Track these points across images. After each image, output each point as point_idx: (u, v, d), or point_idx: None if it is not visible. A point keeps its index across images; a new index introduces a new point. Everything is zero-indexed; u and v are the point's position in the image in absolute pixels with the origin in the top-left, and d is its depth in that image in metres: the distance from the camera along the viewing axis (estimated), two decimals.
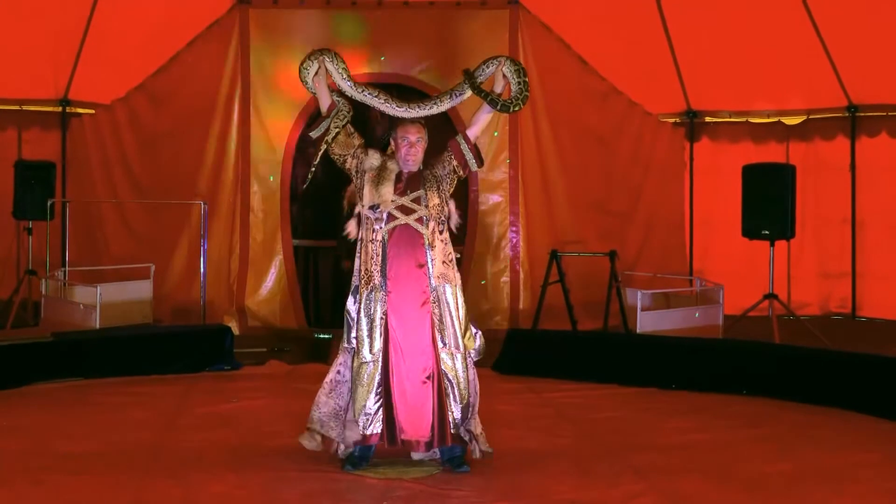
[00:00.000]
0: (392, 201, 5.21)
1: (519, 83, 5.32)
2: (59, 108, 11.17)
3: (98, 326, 8.87)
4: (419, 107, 5.36)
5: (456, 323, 5.18)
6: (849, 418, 6.55)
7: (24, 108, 11.18)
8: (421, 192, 5.23)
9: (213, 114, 10.38)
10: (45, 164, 10.25)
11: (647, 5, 10.82)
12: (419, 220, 5.20)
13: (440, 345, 5.16)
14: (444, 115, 10.10)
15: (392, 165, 5.29)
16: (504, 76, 5.32)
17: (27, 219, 10.12)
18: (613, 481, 5.02)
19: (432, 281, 5.18)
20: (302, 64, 5.33)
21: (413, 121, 5.34)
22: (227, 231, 10.33)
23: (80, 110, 11.16)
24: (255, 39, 10.33)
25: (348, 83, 5.35)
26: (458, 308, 5.21)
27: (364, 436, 5.16)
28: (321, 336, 10.01)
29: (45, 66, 10.96)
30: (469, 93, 5.32)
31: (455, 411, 5.14)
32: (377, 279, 5.17)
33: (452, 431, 5.14)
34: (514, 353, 8.26)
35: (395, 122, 5.38)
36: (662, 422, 6.48)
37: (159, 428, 6.13)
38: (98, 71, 10.89)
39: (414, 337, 5.16)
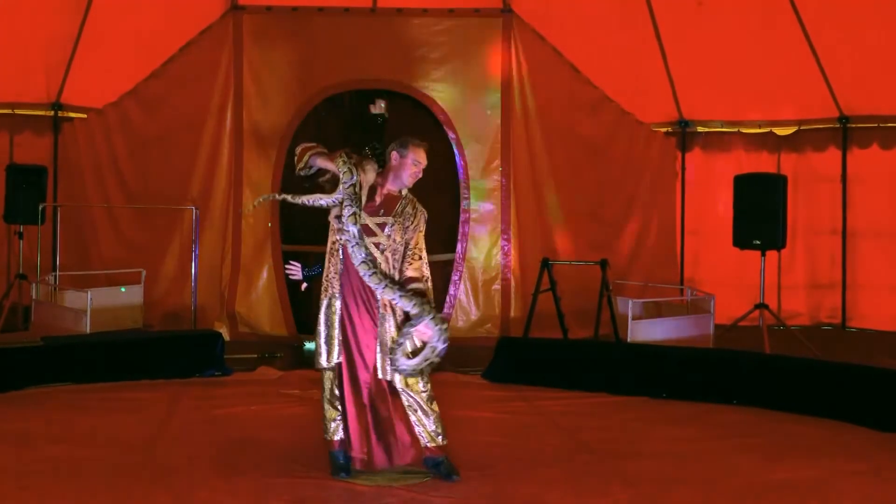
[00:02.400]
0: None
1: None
2: (52, 113, 11.15)
3: (88, 331, 8.87)
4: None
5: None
6: (838, 428, 6.56)
7: (17, 111, 11.15)
8: (390, 219, 5.14)
9: (205, 119, 10.37)
10: (36, 168, 10.22)
11: (640, 14, 10.85)
12: (376, 244, 5.10)
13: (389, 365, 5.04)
14: (440, 123, 10.26)
15: (377, 179, 5.19)
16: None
17: (18, 223, 10.09)
18: (603, 490, 5.03)
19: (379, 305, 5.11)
20: (339, 159, 4.99)
21: (425, 147, 5.22)
22: (219, 237, 10.30)
23: (72, 115, 11.13)
24: (248, 45, 10.33)
25: (335, 196, 4.98)
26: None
27: (329, 440, 5.19)
28: (311, 343, 9.99)
29: (38, 70, 10.95)
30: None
31: (427, 424, 5.11)
32: (336, 287, 5.15)
33: (429, 444, 5.11)
34: (504, 360, 8.26)
35: (406, 142, 5.21)
36: (652, 431, 6.49)
37: (149, 433, 6.11)
38: (90, 75, 10.87)
39: (366, 351, 5.11)
